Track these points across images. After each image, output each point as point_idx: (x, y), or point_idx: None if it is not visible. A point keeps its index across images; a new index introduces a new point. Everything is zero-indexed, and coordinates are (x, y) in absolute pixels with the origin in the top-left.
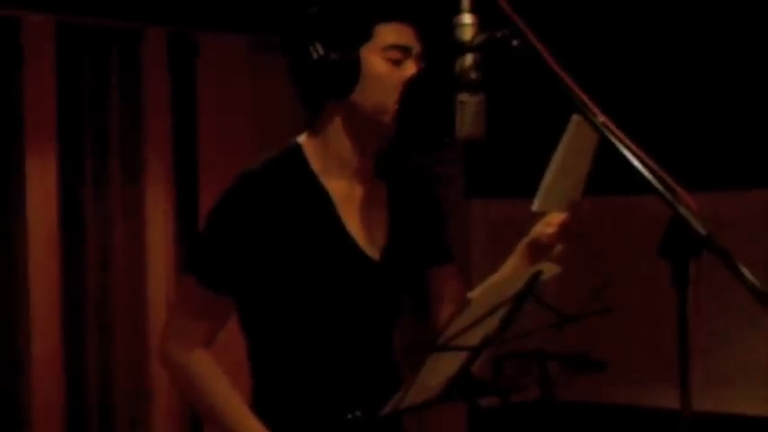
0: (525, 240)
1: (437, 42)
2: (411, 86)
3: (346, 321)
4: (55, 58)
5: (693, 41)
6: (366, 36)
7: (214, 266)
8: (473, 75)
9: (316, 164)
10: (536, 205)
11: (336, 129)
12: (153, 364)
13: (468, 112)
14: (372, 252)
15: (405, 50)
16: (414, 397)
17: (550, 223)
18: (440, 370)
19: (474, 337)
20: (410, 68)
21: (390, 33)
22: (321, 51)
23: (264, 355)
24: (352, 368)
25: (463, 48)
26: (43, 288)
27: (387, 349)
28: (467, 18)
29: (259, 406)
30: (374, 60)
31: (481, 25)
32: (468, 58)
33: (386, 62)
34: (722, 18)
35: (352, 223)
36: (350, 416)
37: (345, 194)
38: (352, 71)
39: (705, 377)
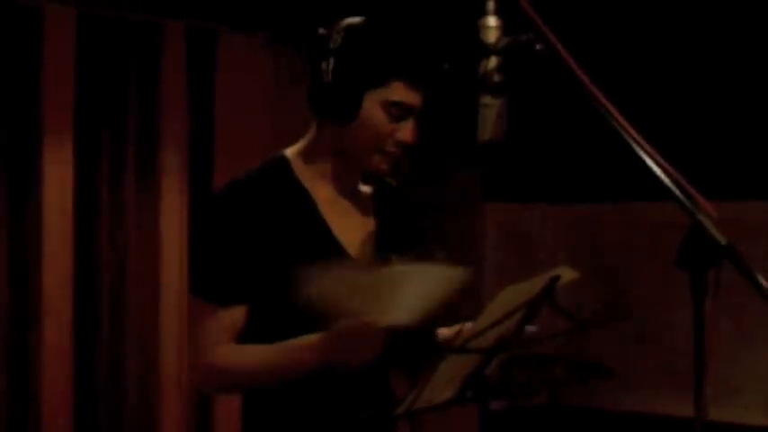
0: None
1: (461, 44)
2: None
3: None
4: (75, 49)
5: (721, 50)
6: (378, 84)
7: (218, 281)
8: (497, 77)
9: (302, 173)
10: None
11: (324, 143)
12: (164, 353)
13: (491, 114)
14: (360, 256)
15: (408, 110)
16: (427, 397)
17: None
18: (454, 372)
19: (489, 341)
20: (407, 128)
21: (401, 91)
22: (330, 76)
23: None
24: (339, 375)
25: (487, 50)
26: (56, 276)
27: (383, 357)
28: (491, 21)
29: (250, 414)
30: (375, 109)
31: (506, 28)
32: (493, 61)
33: (385, 114)
34: (754, 29)
35: (339, 228)
36: (363, 415)
37: (331, 201)
38: (350, 109)
39: (718, 386)
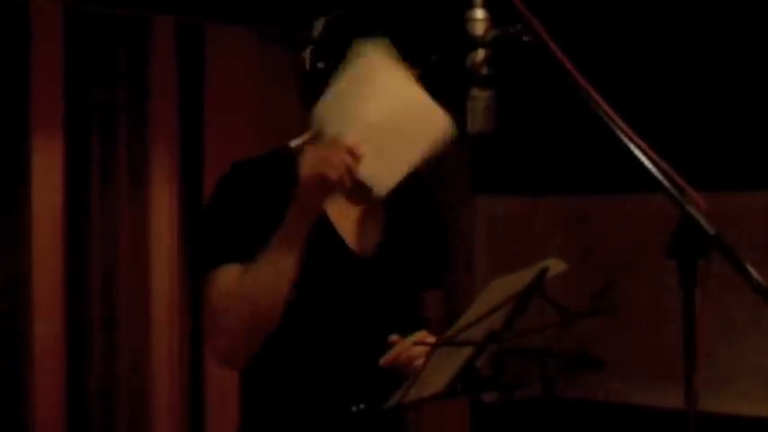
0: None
1: (449, 37)
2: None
3: (334, 318)
4: (63, 44)
5: (704, 41)
6: None
7: (219, 245)
8: (485, 70)
9: None
10: None
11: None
12: (155, 351)
13: (479, 107)
14: (362, 250)
15: None
16: (417, 391)
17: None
18: (444, 365)
19: (479, 333)
20: None
21: None
22: (308, 65)
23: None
24: (339, 368)
25: (475, 43)
26: (47, 275)
27: (381, 352)
28: (479, 13)
29: (248, 408)
30: None
31: (493, 21)
32: (480, 54)
33: None
34: (736, 19)
35: (340, 222)
36: (354, 408)
37: (334, 195)
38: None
39: (708, 377)
